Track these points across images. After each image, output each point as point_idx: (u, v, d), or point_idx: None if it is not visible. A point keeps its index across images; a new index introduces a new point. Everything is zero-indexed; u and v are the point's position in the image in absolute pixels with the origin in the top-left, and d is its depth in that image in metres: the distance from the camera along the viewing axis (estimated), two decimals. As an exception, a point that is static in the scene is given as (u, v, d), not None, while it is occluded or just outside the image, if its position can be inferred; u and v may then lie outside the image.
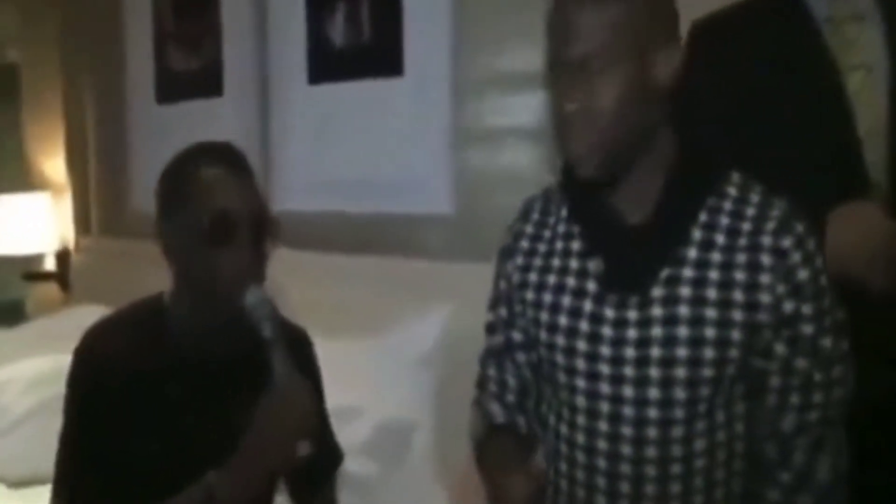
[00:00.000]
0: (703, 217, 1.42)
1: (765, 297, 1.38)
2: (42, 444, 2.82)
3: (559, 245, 1.52)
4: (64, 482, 1.58)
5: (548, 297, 1.50)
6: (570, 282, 1.48)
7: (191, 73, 3.91)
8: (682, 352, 1.38)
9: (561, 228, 1.53)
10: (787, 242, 1.38)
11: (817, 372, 1.40)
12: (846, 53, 1.73)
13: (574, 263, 1.49)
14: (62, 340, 3.13)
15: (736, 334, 1.38)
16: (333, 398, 1.78)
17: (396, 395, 2.60)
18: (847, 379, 1.43)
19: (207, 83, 3.79)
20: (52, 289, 4.63)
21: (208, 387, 1.59)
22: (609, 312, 1.43)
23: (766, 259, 1.38)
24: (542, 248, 1.55)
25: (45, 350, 3.12)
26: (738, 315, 1.38)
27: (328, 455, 1.77)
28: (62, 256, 4.56)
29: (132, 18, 4.18)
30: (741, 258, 1.38)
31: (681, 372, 1.38)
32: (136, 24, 4.16)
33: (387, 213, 3.12)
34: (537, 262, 1.54)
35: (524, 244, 1.57)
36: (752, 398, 1.43)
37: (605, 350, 1.43)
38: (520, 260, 1.57)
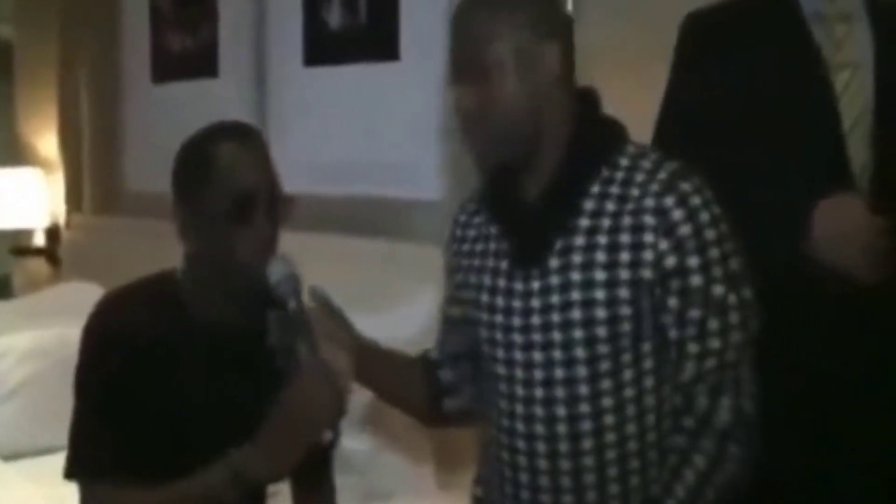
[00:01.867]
0: (595, 188, 1.50)
1: (647, 255, 1.46)
2: (36, 415, 2.86)
3: (483, 230, 1.64)
4: (80, 457, 1.56)
5: (473, 279, 1.63)
6: (490, 263, 1.60)
7: (187, 53, 3.91)
8: (576, 314, 1.48)
9: (485, 215, 1.64)
10: (669, 201, 1.45)
11: (712, 319, 1.46)
12: (834, 52, 1.77)
13: (493, 246, 1.61)
14: (55, 315, 3.16)
15: (623, 292, 1.47)
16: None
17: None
18: (746, 324, 1.48)
19: (203, 64, 3.79)
20: (40, 265, 4.64)
21: (223, 361, 1.59)
22: (518, 286, 1.55)
23: (648, 219, 1.46)
24: (471, 233, 1.67)
25: (38, 324, 3.13)
26: (624, 274, 1.46)
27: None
28: (52, 233, 4.57)
29: (129, -3, 4.19)
30: (627, 221, 1.47)
31: (578, 333, 1.48)
32: (133, 2, 4.15)
33: (378, 197, 3.14)
34: (465, 247, 1.67)
35: (458, 232, 1.70)
36: (658, 354, 1.50)
37: (517, 321, 1.54)
38: (455, 246, 1.70)
